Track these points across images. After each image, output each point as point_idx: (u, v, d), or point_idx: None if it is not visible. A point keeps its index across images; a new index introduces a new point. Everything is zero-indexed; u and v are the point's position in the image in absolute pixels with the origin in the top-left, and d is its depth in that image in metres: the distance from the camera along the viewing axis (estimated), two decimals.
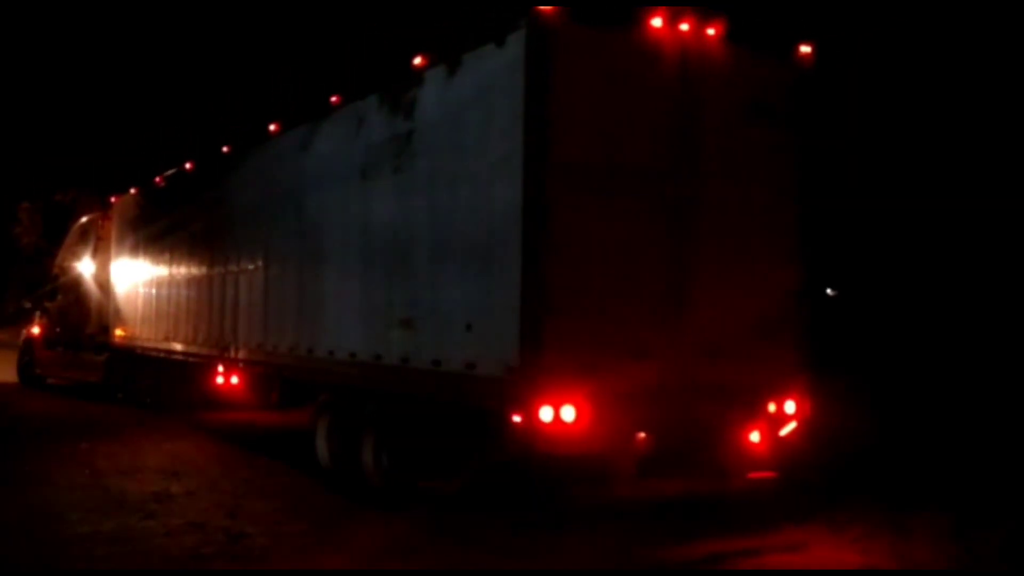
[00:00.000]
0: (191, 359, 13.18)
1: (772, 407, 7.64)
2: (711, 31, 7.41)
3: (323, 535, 7.34)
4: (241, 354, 11.57)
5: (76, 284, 17.82)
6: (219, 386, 12.37)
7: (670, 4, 7.33)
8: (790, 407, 7.68)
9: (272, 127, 11.27)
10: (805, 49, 7.85)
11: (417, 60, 8.29)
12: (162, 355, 14.34)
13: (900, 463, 9.48)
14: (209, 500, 8.45)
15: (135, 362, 15.65)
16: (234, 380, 11.94)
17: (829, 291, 16.18)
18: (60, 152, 35.65)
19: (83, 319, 17.38)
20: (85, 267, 17.64)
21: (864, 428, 10.37)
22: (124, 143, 31.49)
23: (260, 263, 11.23)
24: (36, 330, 18.83)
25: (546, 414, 6.76)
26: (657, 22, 7.23)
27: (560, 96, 6.87)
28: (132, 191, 16.88)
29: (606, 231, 7.12)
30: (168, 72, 32.50)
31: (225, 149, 12.81)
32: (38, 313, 19.04)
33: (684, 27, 7.32)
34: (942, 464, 9.43)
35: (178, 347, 13.65)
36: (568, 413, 6.82)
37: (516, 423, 6.89)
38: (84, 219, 19.19)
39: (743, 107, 7.59)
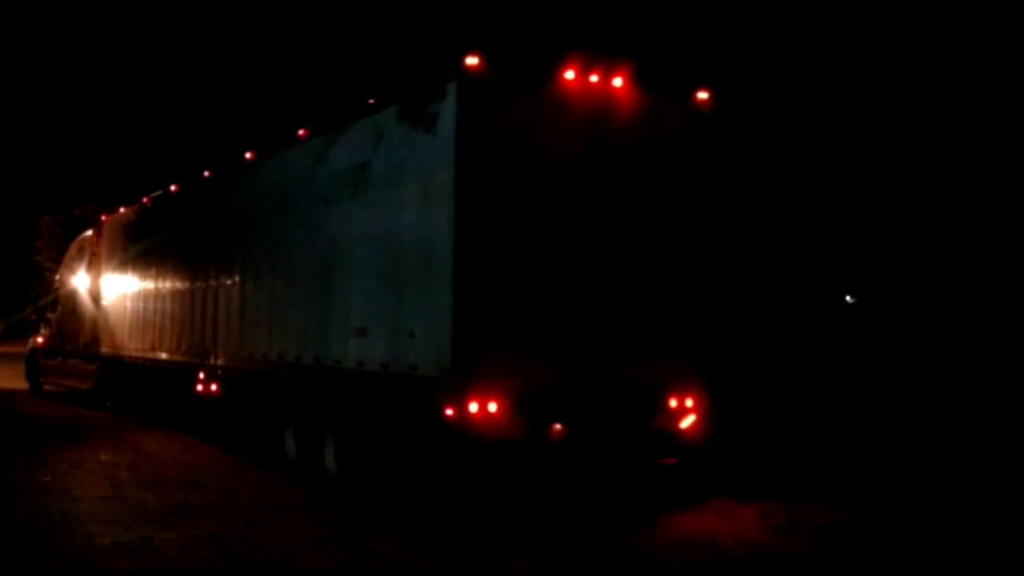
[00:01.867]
0: (174, 367, 14.31)
1: (674, 403, 8.89)
2: (618, 81, 8.69)
3: (342, 549, 7.53)
4: (219, 362, 12.74)
5: (72, 296, 19.05)
6: (199, 393, 13.48)
7: (589, 48, 8.63)
8: (690, 403, 8.94)
9: (248, 155, 12.50)
10: (703, 95, 9.14)
11: (371, 101, 9.54)
12: (147, 364, 15.48)
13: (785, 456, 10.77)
14: (228, 512, 8.69)
15: (123, 370, 16.76)
16: (213, 388, 13.06)
17: (848, 298, 17.22)
18: (81, 166, 36.76)
19: (78, 330, 18.57)
20: (80, 280, 18.85)
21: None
22: (134, 159, 32.67)
23: (237, 279, 12.42)
24: (40, 340, 20.12)
25: (474, 407, 7.99)
26: (570, 75, 8.50)
27: (487, 140, 8.12)
28: (122, 210, 18.07)
29: (528, 252, 8.36)
30: (177, 92, 33.92)
31: (206, 174, 14.02)
32: (42, 324, 20.31)
33: (594, 78, 8.60)
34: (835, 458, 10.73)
35: (162, 356, 14.79)
36: (493, 406, 8.04)
37: (449, 415, 8.11)
38: (83, 235, 20.39)
39: (647, 145, 8.86)
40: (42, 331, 20.22)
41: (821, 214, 16.34)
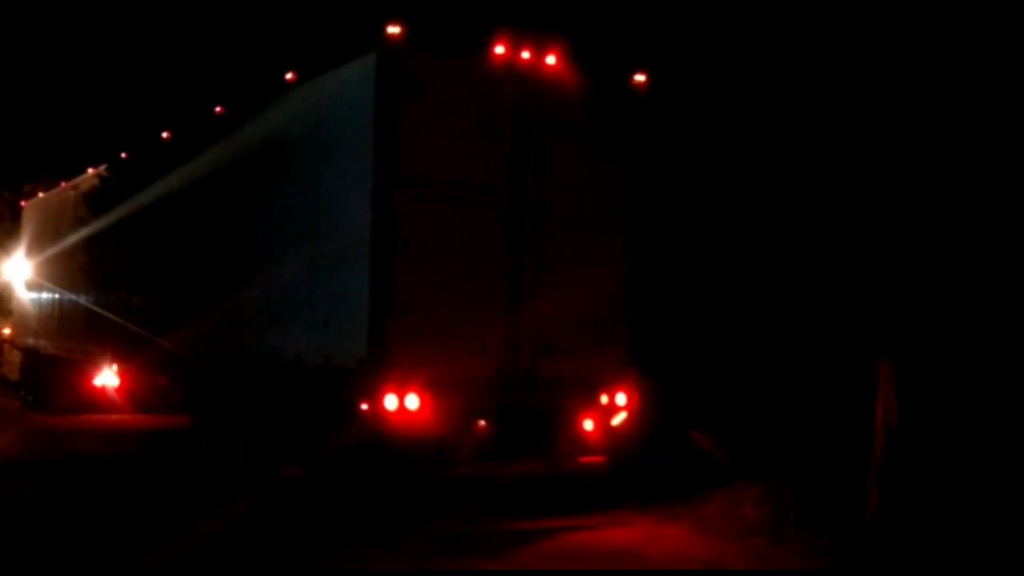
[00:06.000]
0: (79, 359, 13.65)
1: (604, 399, 8.42)
2: (551, 58, 8.19)
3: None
4: (128, 354, 12.09)
5: (10, 286, 18.36)
6: (101, 387, 12.91)
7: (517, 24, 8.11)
8: (621, 399, 8.47)
9: (164, 135, 11.84)
10: (640, 77, 8.68)
11: (288, 76, 8.95)
12: (60, 356, 14.78)
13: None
14: None
15: (38, 361, 16.04)
16: (115, 380, 12.47)
17: None
18: (36, 134, 35.04)
19: (17, 320, 17.90)
20: (14, 269, 18.06)
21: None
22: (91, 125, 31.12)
23: (145, 267, 11.84)
24: (6, 331, 19.15)
25: (391, 402, 7.43)
26: (500, 49, 7.98)
27: (407, 115, 7.56)
28: (40, 195, 17.25)
29: (449, 238, 7.82)
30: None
31: (123, 155, 13.33)
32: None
33: (525, 55, 8.09)
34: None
35: (69, 347, 14.15)
36: (412, 401, 7.49)
37: (364, 411, 7.55)
38: None
39: (579, 128, 8.37)
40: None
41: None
